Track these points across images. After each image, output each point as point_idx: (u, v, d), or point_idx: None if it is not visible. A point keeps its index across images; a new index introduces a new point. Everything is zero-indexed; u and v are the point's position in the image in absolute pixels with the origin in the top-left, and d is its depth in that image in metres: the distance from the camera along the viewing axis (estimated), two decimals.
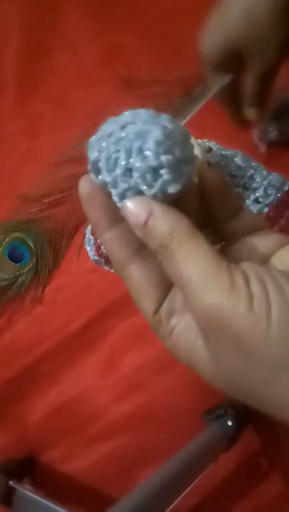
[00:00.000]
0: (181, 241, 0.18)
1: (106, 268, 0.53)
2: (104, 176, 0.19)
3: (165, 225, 0.18)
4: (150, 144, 0.18)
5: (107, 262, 0.51)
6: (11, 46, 0.72)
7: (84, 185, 0.20)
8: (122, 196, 0.19)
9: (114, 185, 0.19)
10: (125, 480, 0.62)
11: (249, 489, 0.59)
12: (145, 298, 0.21)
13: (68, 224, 0.71)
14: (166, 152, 0.18)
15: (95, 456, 0.64)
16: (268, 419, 0.60)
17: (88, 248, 0.52)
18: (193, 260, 0.18)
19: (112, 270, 0.53)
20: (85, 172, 0.21)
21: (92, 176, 0.20)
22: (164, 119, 0.19)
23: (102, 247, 0.49)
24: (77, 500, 0.64)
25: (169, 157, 0.18)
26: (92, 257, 0.52)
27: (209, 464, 0.52)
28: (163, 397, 0.62)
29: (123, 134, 0.18)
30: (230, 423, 0.54)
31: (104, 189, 0.19)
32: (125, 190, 0.18)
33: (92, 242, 0.50)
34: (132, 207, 0.19)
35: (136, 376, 0.63)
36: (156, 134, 0.18)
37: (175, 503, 0.45)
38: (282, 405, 0.19)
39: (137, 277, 0.21)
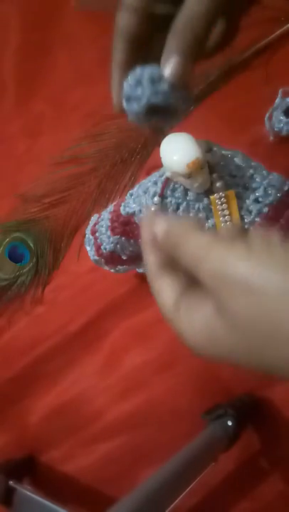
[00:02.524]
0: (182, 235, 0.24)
1: (106, 268, 0.53)
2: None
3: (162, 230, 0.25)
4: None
5: (107, 261, 0.51)
6: (11, 46, 0.72)
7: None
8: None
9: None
10: (125, 480, 0.62)
11: (249, 489, 0.59)
12: (169, 290, 0.25)
13: (68, 224, 0.71)
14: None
15: (95, 456, 0.64)
16: (268, 419, 0.61)
17: (88, 248, 0.52)
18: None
19: (112, 270, 0.53)
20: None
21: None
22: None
23: (101, 247, 0.49)
24: (77, 500, 0.64)
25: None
26: (92, 257, 0.52)
27: (209, 463, 0.52)
28: (163, 397, 0.62)
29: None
30: (230, 423, 0.54)
31: None
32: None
33: (92, 242, 0.50)
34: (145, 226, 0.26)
35: (136, 376, 0.63)
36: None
37: (175, 503, 0.45)
38: None
39: (161, 282, 0.26)
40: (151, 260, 0.26)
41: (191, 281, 0.25)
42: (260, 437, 0.59)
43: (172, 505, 0.44)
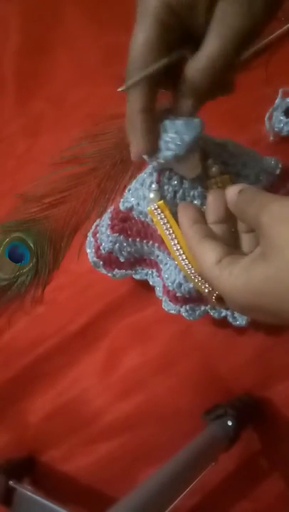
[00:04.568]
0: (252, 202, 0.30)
1: (103, 271, 0.53)
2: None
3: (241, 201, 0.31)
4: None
5: (105, 263, 0.51)
6: (11, 46, 0.72)
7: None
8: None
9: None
10: (125, 480, 0.62)
11: (249, 489, 0.59)
12: (211, 252, 0.30)
13: (68, 224, 0.71)
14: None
15: (95, 456, 0.64)
16: (268, 419, 0.61)
17: (89, 251, 0.52)
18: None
19: (109, 274, 0.53)
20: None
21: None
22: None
23: (100, 247, 0.49)
24: (77, 500, 0.64)
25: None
26: (91, 259, 0.52)
27: (209, 464, 0.52)
28: (163, 397, 0.62)
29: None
30: (230, 423, 0.54)
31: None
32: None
33: (93, 243, 0.51)
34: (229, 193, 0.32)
35: (136, 376, 0.63)
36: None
37: (175, 503, 0.45)
38: None
39: (203, 247, 0.31)
40: (191, 232, 0.32)
41: (231, 250, 0.30)
42: (260, 437, 0.59)
43: (172, 505, 0.44)
